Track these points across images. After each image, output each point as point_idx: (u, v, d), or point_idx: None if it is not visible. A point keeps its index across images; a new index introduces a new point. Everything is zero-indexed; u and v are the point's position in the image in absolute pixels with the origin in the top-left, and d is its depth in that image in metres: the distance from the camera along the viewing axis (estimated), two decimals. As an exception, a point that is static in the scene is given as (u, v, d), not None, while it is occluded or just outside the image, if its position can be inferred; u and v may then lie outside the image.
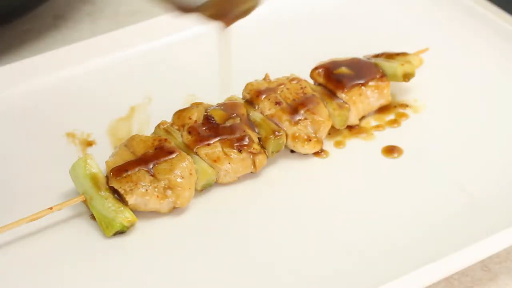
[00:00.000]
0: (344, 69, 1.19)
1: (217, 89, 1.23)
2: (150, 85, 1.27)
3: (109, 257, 1.02)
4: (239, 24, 1.38)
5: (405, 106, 1.22)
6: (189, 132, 1.10)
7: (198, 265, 1.01)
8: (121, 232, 1.04)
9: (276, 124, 1.13)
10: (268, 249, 1.03)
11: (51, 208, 1.04)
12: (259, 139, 1.12)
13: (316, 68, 1.20)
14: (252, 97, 1.16)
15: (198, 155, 1.09)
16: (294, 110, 1.14)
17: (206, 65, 1.30)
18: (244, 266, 1.01)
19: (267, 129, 1.12)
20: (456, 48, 1.31)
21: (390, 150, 1.16)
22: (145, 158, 1.06)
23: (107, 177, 1.06)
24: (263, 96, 1.15)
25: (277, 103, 1.14)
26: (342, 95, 1.17)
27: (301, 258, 1.02)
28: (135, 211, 1.05)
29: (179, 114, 1.13)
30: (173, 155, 1.07)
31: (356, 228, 1.05)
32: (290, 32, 1.36)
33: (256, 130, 1.12)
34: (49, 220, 1.06)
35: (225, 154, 1.09)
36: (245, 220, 1.07)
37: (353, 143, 1.17)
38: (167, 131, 1.12)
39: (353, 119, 1.18)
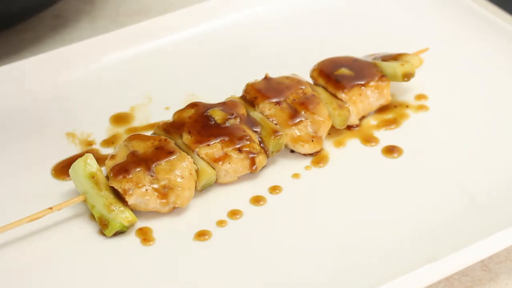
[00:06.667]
0: (344, 70, 1.19)
1: (217, 89, 1.23)
2: (150, 85, 1.27)
3: (109, 257, 1.02)
4: (239, 24, 1.39)
5: (405, 106, 1.22)
6: (189, 132, 1.10)
7: (198, 264, 1.01)
8: (121, 232, 1.04)
9: (276, 124, 1.13)
10: (268, 249, 1.03)
11: (51, 208, 1.04)
12: (259, 139, 1.12)
13: (316, 68, 1.21)
14: (252, 97, 1.16)
15: (198, 155, 1.09)
16: (294, 110, 1.14)
17: (206, 65, 1.31)
18: (244, 266, 1.01)
19: (267, 129, 1.12)
20: (456, 48, 1.31)
21: (390, 150, 1.16)
22: (145, 158, 1.06)
23: (107, 177, 1.06)
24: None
25: (277, 103, 1.14)
26: (342, 95, 1.17)
27: (301, 257, 1.01)
28: (135, 211, 1.05)
29: (179, 114, 1.13)
30: (173, 155, 1.07)
31: (356, 228, 1.05)
32: (290, 32, 1.36)
33: (256, 130, 1.12)
34: (49, 220, 1.06)
35: (225, 154, 1.09)
36: (245, 220, 1.07)
37: (353, 143, 1.17)
38: (167, 131, 1.11)
39: (353, 119, 1.18)
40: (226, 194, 1.10)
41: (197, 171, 1.08)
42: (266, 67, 1.23)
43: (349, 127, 1.18)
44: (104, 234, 1.04)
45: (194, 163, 1.08)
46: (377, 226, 1.05)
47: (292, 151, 1.15)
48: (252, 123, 1.13)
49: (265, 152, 1.12)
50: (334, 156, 1.15)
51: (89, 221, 1.06)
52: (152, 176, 1.05)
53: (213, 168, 1.09)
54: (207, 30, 1.36)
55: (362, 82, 1.18)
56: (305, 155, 1.15)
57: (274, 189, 1.11)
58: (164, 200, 1.05)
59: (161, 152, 1.07)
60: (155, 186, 1.05)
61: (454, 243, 1.00)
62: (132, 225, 1.05)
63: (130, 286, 0.99)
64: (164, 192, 1.05)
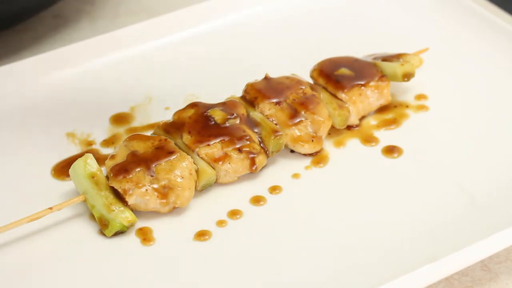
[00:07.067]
0: (344, 70, 1.19)
1: (217, 89, 1.23)
2: (150, 85, 1.27)
3: (109, 257, 1.02)
4: (239, 24, 1.39)
5: (405, 106, 1.22)
6: (189, 132, 1.10)
7: (198, 264, 1.01)
8: (121, 232, 1.04)
9: (276, 124, 1.13)
10: (268, 249, 1.03)
11: (51, 208, 1.04)
12: (259, 139, 1.12)
13: (316, 68, 1.21)
14: (252, 97, 1.16)
15: (198, 155, 1.09)
16: (294, 110, 1.14)
17: (206, 65, 1.31)
18: (244, 266, 1.01)
19: (267, 129, 1.12)
20: (456, 48, 1.31)
21: (390, 150, 1.16)
22: (145, 158, 1.06)
23: (107, 177, 1.06)
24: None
25: (277, 103, 1.14)
26: (342, 95, 1.17)
27: (301, 257, 1.01)
28: (135, 211, 1.05)
29: (179, 114, 1.13)
30: (173, 155, 1.07)
31: (356, 228, 1.05)
32: (290, 32, 1.36)
33: (256, 130, 1.12)
34: (49, 220, 1.06)
35: (225, 154, 1.09)
36: (245, 220, 1.07)
37: (353, 143, 1.17)
38: (167, 131, 1.12)
39: (353, 119, 1.18)
40: (226, 194, 1.10)
41: (197, 171, 1.08)
42: (266, 67, 1.23)
43: (349, 127, 1.18)
44: (104, 234, 1.04)
45: (194, 163, 1.08)
46: (377, 226, 1.05)
47: (292, 151, 1.15)
48: (252, 123, 1.13)
49: (265, 152, 1.12)
50: (334, 156, 1.15)
51: (89, 221, 1.06)
52: (152, 176, 1.05)
53: (213, 168, 1.09)
54: (207, 30, 1.36)
55: (362, 82, 1.18)
56: (305, 155, 1.15)
57: (274, 189, 1.11)
58: (164, 200, 1.05)
59: (161, 152, 1.07)
60: (155, 186, 1.05)
61: (454, 243, 1.00)
62: (132, 225, 1.05)
63: (130, 286, 0.99)
64: (164, 192, 1.05)
